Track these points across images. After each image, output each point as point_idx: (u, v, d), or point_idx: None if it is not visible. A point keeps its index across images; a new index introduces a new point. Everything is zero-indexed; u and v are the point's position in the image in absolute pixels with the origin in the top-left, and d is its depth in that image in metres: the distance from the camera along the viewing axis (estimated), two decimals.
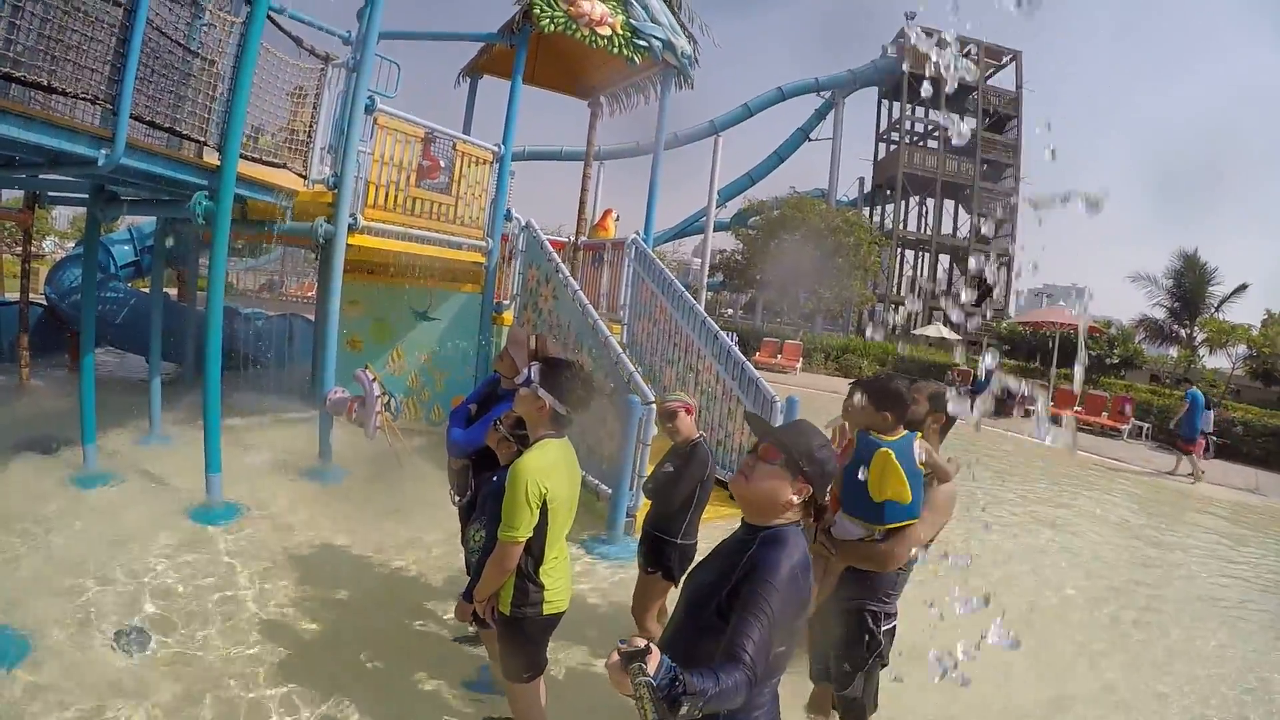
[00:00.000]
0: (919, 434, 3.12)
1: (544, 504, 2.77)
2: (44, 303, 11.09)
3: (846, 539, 3.14)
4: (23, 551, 4.69)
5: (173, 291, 12.03)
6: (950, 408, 3.35)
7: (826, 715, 3.62)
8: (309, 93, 6.73)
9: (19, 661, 3.55)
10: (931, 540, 3.19)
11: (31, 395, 8.90)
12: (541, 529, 2.81)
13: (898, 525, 3.03)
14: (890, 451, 2.97)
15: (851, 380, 4.08)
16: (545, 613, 2.90)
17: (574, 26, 8.68)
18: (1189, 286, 29.76)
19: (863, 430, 3.19)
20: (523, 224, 8.95)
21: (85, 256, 6.75)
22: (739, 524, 2.18)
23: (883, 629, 3.15)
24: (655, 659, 1.63)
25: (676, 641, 2.06)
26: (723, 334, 8.35)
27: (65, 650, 3.72)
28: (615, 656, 1.65)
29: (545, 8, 8.50)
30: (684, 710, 1.61)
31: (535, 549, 2.85)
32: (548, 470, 2.79)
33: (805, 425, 2.23)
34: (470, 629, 3.80)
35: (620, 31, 9.05)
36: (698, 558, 3.91)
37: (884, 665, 3.27)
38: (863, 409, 3.13)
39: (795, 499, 2.06)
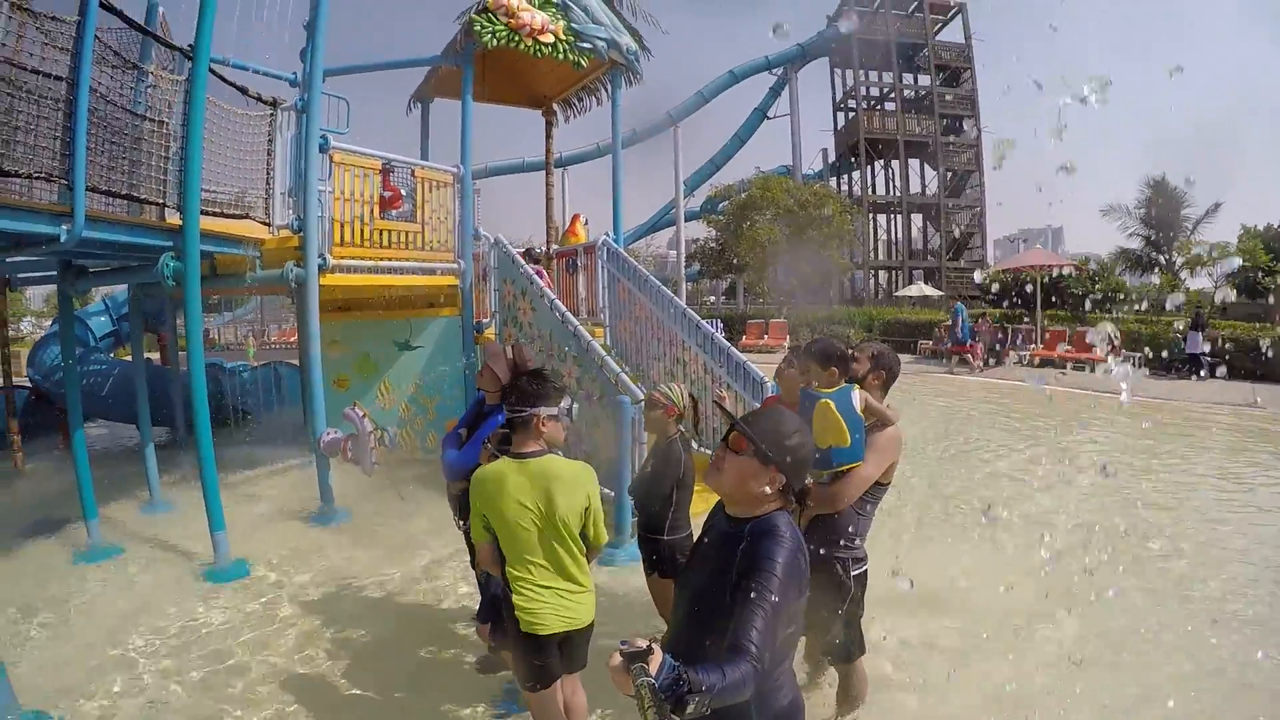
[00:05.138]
0: (856, 386, 3.30)
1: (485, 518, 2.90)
2: (29, 385, 11.01)
3: None
4: (42, 636, 4.68)
5: (155, 356, 11.99)
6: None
7: (815, 665, 3.82)
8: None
9: None
10: (888, 480, 3.38)
11: (29, 479, 8.86)
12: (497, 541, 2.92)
13: (842, 468, 3.17)
14: (830, 402, 3.13)
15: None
16: (521, 629, 2.87)
17: (516, 38, 8.69)
18: (1161, 214, 29.93)
19: (805, 387, 3.39)
20: (491, 241, 8.95)
21: (62, 333, 6.74)
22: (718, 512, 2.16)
23: (853, 574, 3.29)
24: (657, 659, 1.61)
25: (679, 644, 2.00)
26: (704, 323, 8.37)
27: None
28: (616, 658, 1.63)
29: (485, 24, 8.50)
30: (691, 709, 1.59)
31: (503, 559, 2.93)
32: (486, 490, 2.88)
33: (776, 412, 2.18)
34: (490, 646, 3.82)
35: (563, 37, 9.07)
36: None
37: (860, 612, 3.41)
38: (806, 370, 3.39)
39: (769, 489, 2.00)
